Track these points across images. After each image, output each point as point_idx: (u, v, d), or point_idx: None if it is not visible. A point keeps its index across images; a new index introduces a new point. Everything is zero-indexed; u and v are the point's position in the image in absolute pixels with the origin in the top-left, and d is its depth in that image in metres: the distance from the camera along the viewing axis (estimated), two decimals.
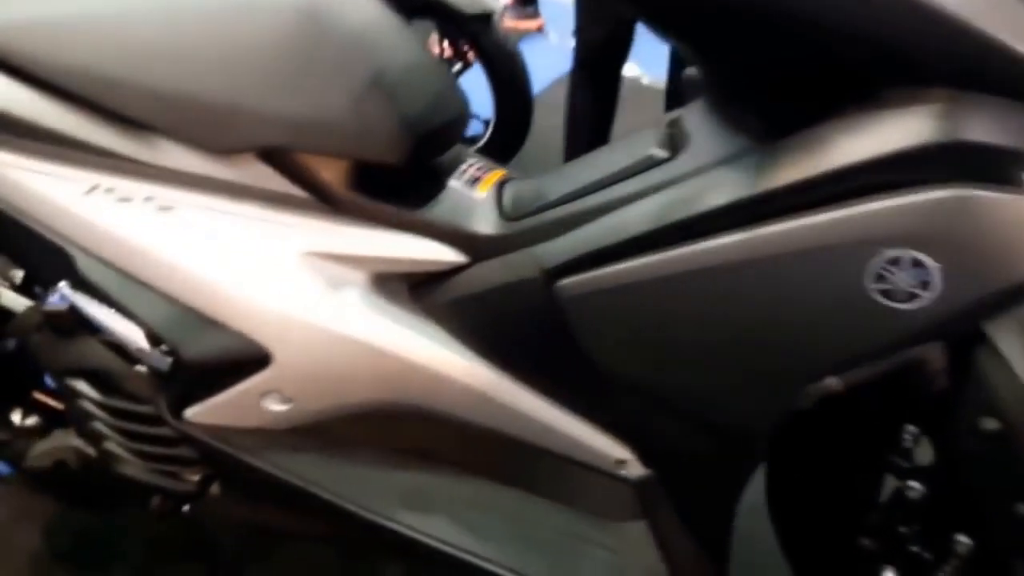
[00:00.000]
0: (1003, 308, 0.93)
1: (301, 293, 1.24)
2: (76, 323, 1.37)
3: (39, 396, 1.55)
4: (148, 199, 1.24)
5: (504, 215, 1.24)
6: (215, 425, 1.31)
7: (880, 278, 0.89)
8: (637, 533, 1.27)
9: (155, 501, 1.56)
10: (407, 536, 1.26)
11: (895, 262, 0.88)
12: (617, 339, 1.03)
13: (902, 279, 0.88)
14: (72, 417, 1.45)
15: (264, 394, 1.28)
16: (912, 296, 0.89)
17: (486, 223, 1.24)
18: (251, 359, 1.26)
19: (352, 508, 1.27)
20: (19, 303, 1.46)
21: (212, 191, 1.24)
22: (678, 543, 1.13)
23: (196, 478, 1.43)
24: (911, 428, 1.09)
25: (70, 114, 1.23)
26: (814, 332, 0.94)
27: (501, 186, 1.30)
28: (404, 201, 1.25)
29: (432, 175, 1.29)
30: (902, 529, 1.17)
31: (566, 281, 1.02)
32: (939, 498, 1.12)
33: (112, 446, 1.42)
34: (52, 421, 1.56)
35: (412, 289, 1.29)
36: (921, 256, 0.88)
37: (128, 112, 1.22)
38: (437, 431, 1.31)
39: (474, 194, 1.28)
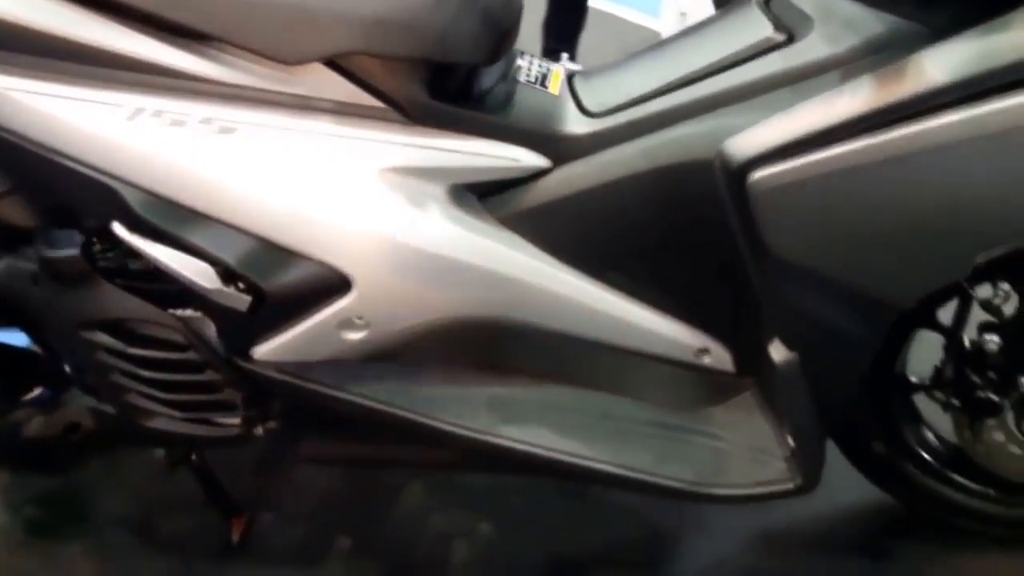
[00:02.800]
0: None
1: (383, 213, 1.16)
2: (88, 270, 1.22)
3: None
4: (205, 121, 1.10)
5: (588, 112, 1.20)
6: (287, 362, 1.22)
7: None
8: (725, 417, 1.31)
9: (162, 453, 1.45)
10: (504, 447, 1.24)
11: None
12: (807, 229, 1.03)
13: None
14: (86, 373, 1.30)
15: (342, 322, 1.20)
16: None
17: (570, 122, 1.20)
18: (331, 287, 1.17)
19: (445, 426, 1.23)
20: None
21: (278, 107, 1.12)
22: (805, 418, 1.17)
23: (236, 421, 1.33)
24: (1004, 286, 1.18)
25: (104, 25, 1.06)
26: (1012, 205, 0.98)
27: (570, 81, 1.25)
28: (481, 106, 1.18)
29: (502, 75, 1.22)
30: (974, 378, 1.26)
31: (760, 174, 1.01)
32: (1014, 348, 1.23)
33: (138, 400, 1.29)
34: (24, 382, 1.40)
35: (482, 198, 1.23)
36: None
37: (176, 20, 1.06)
38: (513, 342, 1.29)
39: (547, 93, 1.23)
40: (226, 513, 1.52)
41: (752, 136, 1.03)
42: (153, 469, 1.49)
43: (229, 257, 1.13)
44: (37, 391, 1.40)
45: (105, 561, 1.50)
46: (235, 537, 1.51)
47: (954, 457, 1.40)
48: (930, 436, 1.42)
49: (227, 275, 1.14)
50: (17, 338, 1.39)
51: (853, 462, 1.44)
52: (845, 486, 1.48)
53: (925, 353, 1.35)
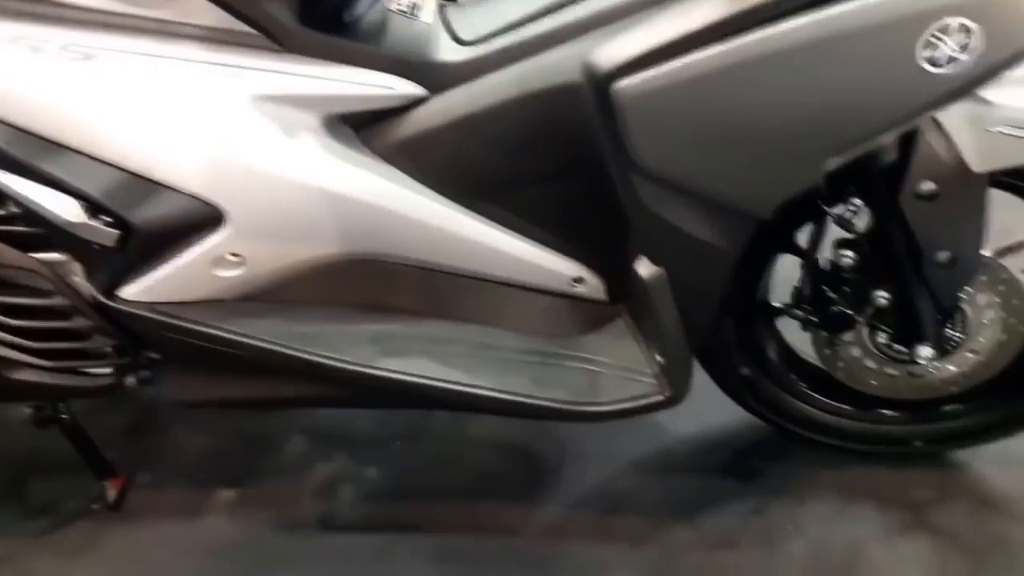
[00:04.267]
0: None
1: (255, 143, 1.14)
2: None
3: None
4: (65, 47, 1.07)
5: (461, 40, 1.21)
6: (159, 302, 1.19)
7: (929, 45, 1.00)
8: (599, 343, 1.35)
9: (31, 411, 1.40)
10: (387, 378, 1.24)
11: (944, 29, 1.00)
12: (669, 138, 1.06)
13: (948, 44, 1.00)
14: None
15: (216, 259, 1.18)
16: (951, 60, 1.01)
17: (443, 50, 1.21)
18: (203, 222, 1.15)
19: (327, 360, 1.23)
20: None
21: (144, 33, 1.09)
22: (671, 330, 1.21)
23: (108, 371, 1.29)
24: (856, 201, 1.24)
25: None
26: (855, 108, 1.03)
27: (442, 11, 1.26)
28: (353, 34, 1.18)
29: (373, 3, 1.22)
30: (830, 295, 1.34)
31: (624, 83, 1.03)
32: (866, 263, 1.30)
33: (1, 351, 1.24)
34: None
35: (358, 131, 1.23)
36: (967, 21, 0.99)
37: None
38: (390, 281, 1.29)
39: (420, 21, 1.23)
40: (101, 474, 1.47)
41: (616, 46, 1.05)
42: (20, 429, 1.42)
43: (94, 190, 1.10)
44: None
45: None
46: (111, 498, 1.47)
47: (815, 377, 1.48)
48: (792, 358, 1.49)
49: (92, 209, 1.10)
50: None
51: (721, 386, 1.50)
52: (713, 410, 1.55)
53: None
